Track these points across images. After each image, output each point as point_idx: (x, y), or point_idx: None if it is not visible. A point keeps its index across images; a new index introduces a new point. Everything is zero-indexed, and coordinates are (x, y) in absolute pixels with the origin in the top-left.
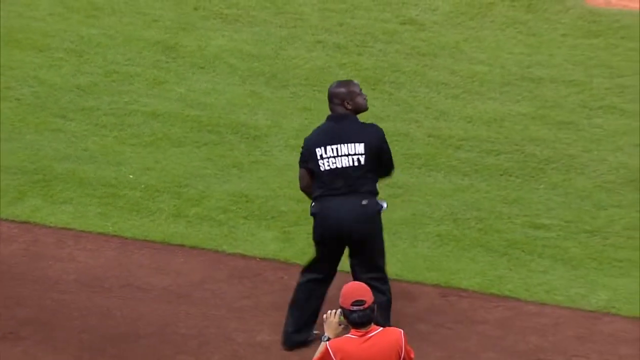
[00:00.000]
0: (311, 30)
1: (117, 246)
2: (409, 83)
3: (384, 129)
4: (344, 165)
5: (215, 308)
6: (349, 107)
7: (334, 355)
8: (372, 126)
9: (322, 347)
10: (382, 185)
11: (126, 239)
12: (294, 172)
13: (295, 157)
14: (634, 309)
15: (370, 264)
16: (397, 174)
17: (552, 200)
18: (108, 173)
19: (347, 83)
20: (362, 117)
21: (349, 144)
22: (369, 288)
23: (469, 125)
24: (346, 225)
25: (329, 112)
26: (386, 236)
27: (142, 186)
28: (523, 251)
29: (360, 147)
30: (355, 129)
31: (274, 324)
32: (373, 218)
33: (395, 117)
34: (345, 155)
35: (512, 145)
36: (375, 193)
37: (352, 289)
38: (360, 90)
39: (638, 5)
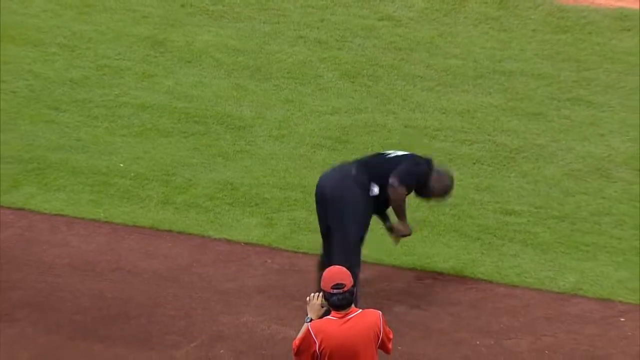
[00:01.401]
0: (293, 26)
1: (108, 232)
2: (386, 76)
3: (364, 121)
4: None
5: (201, 291)
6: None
7: (315, 336)
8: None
9: (304, 328)
10: None
11: (117, 224)
12: (277, 161)
13: (279, 146)
14: (599, 290)
15: (335, 226)
16: None
17: (523, 187)
18: (99, 162)
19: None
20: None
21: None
22: (349, 272)
23: (443, 116)
24: (329, 183)
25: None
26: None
27: (132, 174)
28: (495, 236)
29: (400, 153)
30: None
31: (258, 306)
32: (354, 185)
33: (374, 109)
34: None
35: (484, 135)
36: (369, 181)
37: (332, 273)
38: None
39: (603, 2)
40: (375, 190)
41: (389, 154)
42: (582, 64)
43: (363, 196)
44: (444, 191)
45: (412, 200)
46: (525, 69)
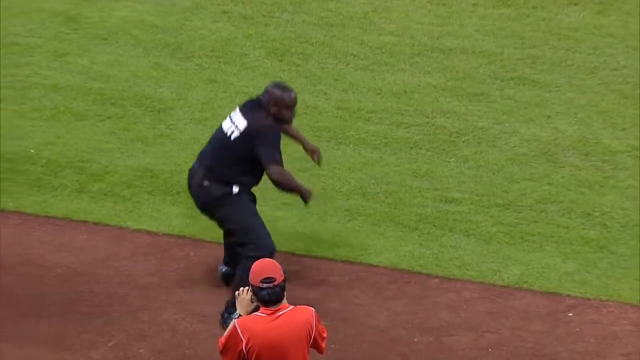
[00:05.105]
0: (216, 1)
1: (17, 222)
2: (317, 54)
3: None
4: (224, 130)
5: (119, 286)
6: (272, 111)
7: (241, 334)
8: (265, 118)
9: (231, 325)
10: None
11: (27, 215)
12: (200, 145)
13: (201, 130)
14: (546, 283)
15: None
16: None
17: (463, 173)
18: (8, 148)
19: (284, 89)
20: None
21: (239, 115)
22: (279, 266)
23: (378, 97)
24: (194, 198)
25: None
26: (294, 211)
27: (44, 161)
28: (434, 226)
29: (243, 123)
30: (254, 109)
31: (180, 301)
32: (214, 201)
33: (303, 90)
34: (231, 121)
35: (423, 118)
36: (227, 181)
37: (262, 266)
38: (293, 105)
39: None
40: (235, 190)
41: (232, 132)
42: (527, 41)
43: (229, 204)
44: (285, 104)
45: (344, 187)
46: (466, 46)
